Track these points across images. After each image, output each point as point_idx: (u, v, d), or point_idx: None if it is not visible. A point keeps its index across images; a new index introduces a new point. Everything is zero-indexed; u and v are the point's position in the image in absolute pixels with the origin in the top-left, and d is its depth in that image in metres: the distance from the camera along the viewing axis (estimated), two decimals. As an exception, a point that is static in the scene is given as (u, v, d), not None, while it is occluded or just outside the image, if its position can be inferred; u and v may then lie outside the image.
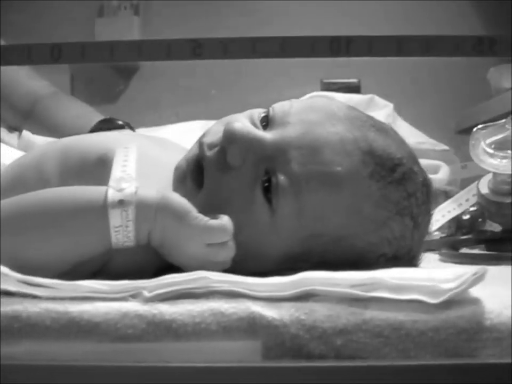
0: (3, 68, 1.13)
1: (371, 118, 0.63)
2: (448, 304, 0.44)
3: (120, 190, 0.51)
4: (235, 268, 0.54)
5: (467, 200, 1.07)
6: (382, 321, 0.44)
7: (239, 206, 0.57)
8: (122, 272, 0.55)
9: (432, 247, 0.96)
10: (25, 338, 0.44)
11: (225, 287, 0.46)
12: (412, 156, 0.63)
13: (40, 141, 0.78)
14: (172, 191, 0.55)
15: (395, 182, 0.59)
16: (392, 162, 0.59)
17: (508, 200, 0.99)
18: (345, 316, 0.44)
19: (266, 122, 0.61)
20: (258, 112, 0.63)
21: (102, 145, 0.66)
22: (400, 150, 0.61)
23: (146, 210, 0.52)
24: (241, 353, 0.43)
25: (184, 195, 0.55)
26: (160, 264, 0.59)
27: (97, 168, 0.64)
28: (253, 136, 0.58)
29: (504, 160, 0.96)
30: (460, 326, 0.43)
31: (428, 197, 0.63)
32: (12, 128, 1.29)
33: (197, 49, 0.42)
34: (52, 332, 0.44)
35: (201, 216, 0.52)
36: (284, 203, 0.56)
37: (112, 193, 0.51)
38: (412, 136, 1.27)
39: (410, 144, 0.65)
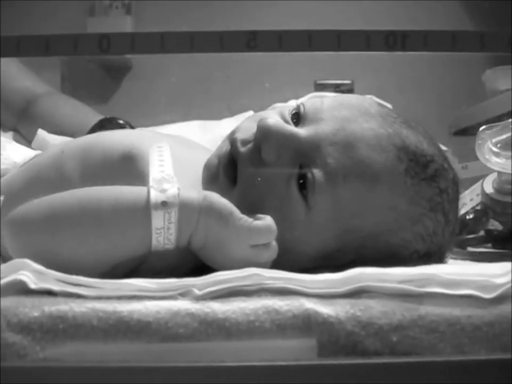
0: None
1: (400, 115, 0.63)
2: (501, 298, 0.44)
3: (163, 191, 0.50)
4: (271, 266, 0.53)
5: (471, 199, 1.08)
6: (438, 317, 0.44)
7: (274, 203, 0.56)
8: (154, 273, 0.54)
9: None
10: (70, 339, 0.43)
11: (278, 284, 0.45)
12: (442, 153, 0.63)
13: (55, 140, 0.76)
14: (212, 192, 0.53)
15: (428, 178, 0.59)
16: (425, 159, 0.60)
17: (513, 200, 1.01)
18: (400, 311, 0.44)
19: (297, 120, 0.61)
20: (289, 109, 0.62)
21: (125, 142, 0.65)
22: (432, 147, 0.61)
23: (189, 212, 0.50)
24: (297, 351, 0.43)
25: (217, 192, 0.54)
26: (191, 266, 0.58)
27: (122, 165, 0.63)
28: (287, 131, 0.58)
29: (510, 160, 0.97)
30: (514, 320, 0.43)
31: (457, 193, 0.63)
32: (6, 128, 1.26)
33: (224, 41, 0.41)
34: (99, 332, 0.43)
35: (245, 217, 0.51)
36: (320, 199, 0.56)
37: (155, 195, 0.50)
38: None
39: None
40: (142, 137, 0.66)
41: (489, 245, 1.00)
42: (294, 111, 0.61)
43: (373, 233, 0.57)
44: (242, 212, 0.53)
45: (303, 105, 0.61)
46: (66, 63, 1.70)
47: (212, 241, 0.51)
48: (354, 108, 0.60)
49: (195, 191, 0.52)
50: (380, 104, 0.63)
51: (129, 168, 0.62)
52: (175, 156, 0.63)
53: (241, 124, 0.64)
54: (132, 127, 1.23)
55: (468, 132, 1.61)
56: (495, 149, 0.99)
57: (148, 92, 1.68)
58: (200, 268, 0.57)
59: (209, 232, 0.51)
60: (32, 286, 0.44)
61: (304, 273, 0.55)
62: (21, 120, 1.26)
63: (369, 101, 0.63)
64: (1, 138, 0.93)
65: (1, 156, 0.74)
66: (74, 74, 1.72)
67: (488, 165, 0.99)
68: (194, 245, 0.52)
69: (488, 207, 1.04)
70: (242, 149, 0.59)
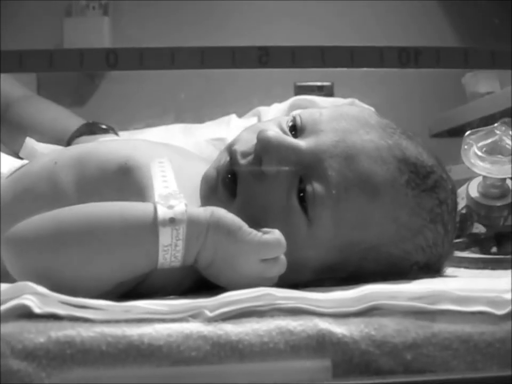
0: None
1: (398, 125, 0.63)
2: (510, 314, 0.44)
3: (170, 207, 0.49)
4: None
5: (456, 203, 1.09)
6: (451, 334, 0.43)
7: (275, 216, 0.55)
8: (155, 290, 0.53)
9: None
10: (78, 365, 0.42)
11: (291, 303, 0.44)
12: (440, 163, 0.63)
13: (43, 149, 0.74)
14: (218, 208, 0.52)
15: (428, 189, 0.59)
16: (425, 170, 0.60)
17: (498, 203, 1.02)
18: (414, 329, 0.43)
19: (295, 131, 0.60)
20: (286, 120, 0.61)
21: (121, 153, 0.63)
22: (431, 158, 0.61)
23: (197, 228, 0.49)
24: (311, 372, 0.42)
25: (216, 205, 0.53)
26: (192, 283, 0.57)
27: (118, 177, 0.61)
28: (288, 144, 0.57)
29: (495, 165, 0.99)
30: (526, 336, 0.43)
31: (456, 204, 0.63)
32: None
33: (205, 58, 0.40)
34: (107, 357, 0.42)
35: (254, 231, 0.51)
36: (320, 212, 0.55)
37: (163, 211, 0.48)
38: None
39: None
40: (138, 148, 0.65)
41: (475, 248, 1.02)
42: (291, 123, 0.61)
43: (375, 245, 0.57)
44: (256, 229, 0.52)
45: (300, 117, 0.60)
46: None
47: (220, 257, 0.50)
48: (354, 119, 0.59)
49: (201, 207, 0.51)
50: (378, 115, 0.63)
51: (126, 179, 0.61)
52: (174, 166, 0.62)
53: (240, 135, 0.63)
54: (115, 133, 1.21)
55: (447, 134, 1.63)
56: (480, 154, 1.00)
57: (126, 94, 1.65)
58: (201, 284, 0.56)
59: (218, 248, 0.50)
60: (37, 310, 0.43)
61: (306, 286, 0.56)
62: (-3, 125, 1.22)
63: (369, 111, 0.63)
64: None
65: None
66: (50, 76, 1.69)
67: (474, 169, 1.00)
68: (202, 262, 0.51)
69: (473, 211, 1.05)
70: (243, 161, 0.58)
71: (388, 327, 0.43)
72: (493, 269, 0.83)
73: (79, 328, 0.42)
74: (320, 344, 0.42)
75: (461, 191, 1.09)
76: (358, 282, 0.54)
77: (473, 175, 1.05)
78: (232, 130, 1.34)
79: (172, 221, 0.48)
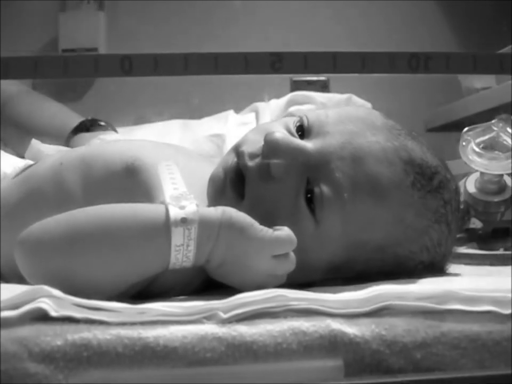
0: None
1: (403, 126, 0.64)
2: (518, 313, 0.45)
3: (182, 208, 0.49)
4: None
5: (454, 199, 1.10)
6: (459, 333, 0.44)
7: (283, 217, 0.56)
8: (164, 291, 0.54)
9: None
10: (94, 367, 0.42)
11: (303, 305, 0.45)
12: (444, 164, 0.64)
13: (49, 150, 0.74)
14: (228, 207, 0.53)
15: (433, 190, 0.60)
16: (430, 171, 0.60)
17: (495, 199, 1.03)
18: (423, 329, 0.44)
19: (302, 132, 0.61)
20: (293, 121, 0.62)
21: (127, 153, 0.63)
22: (435, 159, 0.62)
23: (209, 228, 0.50)
24: (324, 372, 0.43)
25: (224, 205, 0.54)
26: (200, 283, 0.57)
27: (125, 177, 0.62)
28: (295, 146, 0.58)
29: (493, 161, 1.00)
30: (532, 334, 0.45)
31: (459, 203, 0.64)
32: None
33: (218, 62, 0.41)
34: (124, 359, 0.42)
35: (265, 228, 0.51)
36: (328, 213, 0.56)
37: (174, 211, 0.49)
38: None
39: None
40: (144, 148, 0.65)
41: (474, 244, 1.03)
42: (298, 123, 0.61)
43: (381, 246, 0.58)
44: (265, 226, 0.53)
45: (307, 118, 0.61)
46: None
47: (232, 255, 0.51)
48: (360, 121, 0.60)
49: (212, 207, 0.52)
50: (384, 116, 0.63)
51: (132, 180, 0.61)
52: (179, 167, 0.62)
53: (246, 135, 0.63)
54: (114, 129, 1.21)
55: (442, 128, 1.64)
56: (478, 150, 1.01)
57: (122, 90, 1.65)
58: (209, 284, 0.57)
59: (230, 246, 0.51)
60: (53, 313, 0.43)
61: (312, 286, 0.56)
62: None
63: (375, 113, 0.63)
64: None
65: None
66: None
67: (472, 165, 1.01)
68: (213, 262, 0.51)
69: (470, 206, 1.06)
70: (251, 163, 0.58)
71: (398, 327, 0.44)
72: (491, 264, 0.84)
73: (95, 330, 0.43)
74: (332, 344, 0.43)
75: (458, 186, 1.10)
76: (364, 282, 0.55)
77: (470, 170, 1.06)
78: (230, 126, 1.35)
79: (184, 221, 0.49)
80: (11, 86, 1.25)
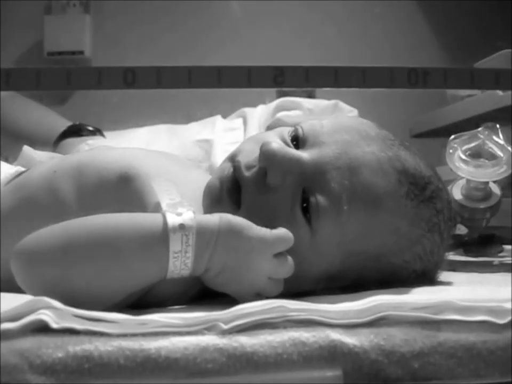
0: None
1: (395, 136, 0.65)
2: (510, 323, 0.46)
3: (179, 214, 0.49)
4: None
5: (440, 205, 1.11)
6: (455, 343, 0.45)
7: (279, 226, 0.56)
8: (159, 301, 0.54)
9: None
10: (96, 378, 0.42)
11: (303, 315, 0.45)
12: (436, 173, 0.65)
13: (41, 157, 0.73)
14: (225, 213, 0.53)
15: (426, 200, 0.61)
16: (423, 181, 0.61)
17: (481, 206, 1.05)
18: (420, 339, 0.45)
19: (297, 142, 0.61)
20: (288, 131, 0.62)
21: (121, 162, 0.63)
22: (428, 168, 0.63)
23: (207, 233, 0.50)
24: (323, 382, 0.43)
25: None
26: (196, 291, 0.58)
27: (119, 186, 0.62)
28: (292, 156, 0.58)
29: (479, 168, 1.01)
30: (525, 343, 0.46)
31: (451, 212, 0.65)
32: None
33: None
34: (125, 370, 0.42)
35: (263, 228, 0.52)
36: (324, 223, 0.57)
37: (172, 217, 0.49)
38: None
39: None
40: (138, 157, 0.65)
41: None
42: (292, 133, 0.62)
43: (376, 255, 0.59)
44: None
45: (302, 128, 0.61)
46: (21, 61, 1.64)
47: (233, 258, 0.51)
48: (354, 131, 0.61)
49: (208, 214, 0.52)
50: (377, 126, 0.64)
51: (127, 188, 0.61)
52: (173, 176, 0.62)
53: (242, 145, 0.63)
54: (102, 134, 1.21)
55: (427, 134, 1.66)
56: (464, 157, 1.02)
57: (108, 93, 1.64)
58: (205, 293, 0.57)
59: (231, 250, 0.51)
60: (54, 325, 0.43)
61: (307, 295, 0.57)
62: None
63: (369, 123, 0.64)
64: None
65: None
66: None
67: (459, 172, 1.03)
68: (212, 270, 0.51)
69: (456, 213, 1.08)
70: (247, 174, 0.59)
71: (396, 337, 0.45)
72: (480, 272, 0.85)
73: (97, 342, 0.43)
74: (331, 355, 0.44)
75: (445, 193, 1.12)
76: (357, 291, 0.56)
77: (455, 177, 1.08)
78: (218, 131, 1.35)
79: (182, 227, 0.49)
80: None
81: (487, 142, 1.04)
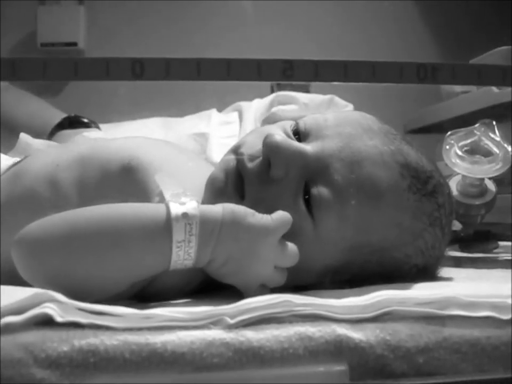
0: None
1: (397, 131, 0.65)
2: (515, 318, 0.47)
3: (182, 204, 0.49)
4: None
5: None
6: (460, 338, 0.45)
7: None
8: (161, 292, 0.54)
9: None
10: (101, 372, 0.42)
11: (309, 310, 0.45)
12: (437, 168, 0.65)
13: (38, 144, 0.72)
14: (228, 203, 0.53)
15: (428, 194, 0.61)
16: (425, 175, 0.61)
17: (476, 202, 1.05)
18: (426, 334, 0.45)
19: (299, 135, 0.61)
20: (290, 125, 0.62)
21: (123, 153, 0.63)
22: (429, 163, 0.63)
23: (211, 223, 0.50)
24: (329, 376, 0.44)
25: None
26: (199, 282, 0.57)
27: (122, 177, 0.61)
28: (295, 148, 0.58)
29: (475, 165, 1.02)
30: (529, 339, 0.46)
31: (452, 207, 0.65)
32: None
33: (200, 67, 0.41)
34: (131, 364, 0.42)
35: (263, 215, 0.52)
36: (326, 215, 0.57)
37: (175, 207, 0.49)
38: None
39: None
40: (140, 146, 0.65)
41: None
42: (294, 127, 0.62)
43: (378, 249, 0.59)
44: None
45: (304, 122, 0.62)
46: (14, 52, 1.62)
47: (239, 248, 0.51)
48: (357, 125, 0.61)
49: (211, 205, 0.52)
50: (379, 120, 0.64)
51: (130, 179, 0.61)
52: (176, 166, 0.62)
53: (246, 138, 0.63)
54: (97, 126, 1.20)
55: (422, 130, 1.67)
56: (461, 154, 1.03)
57: (102, 84, 1.62)
58: (208, 284, 0.57)
59: (236, 239, 0.50)
60: (59, 319, 0.43)
61: (309, 289, 0.57)
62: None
63: (371, 117, 0.64)
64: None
65: None
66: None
67: (455, 169, 1.03)
68: (217, 260, 0.51)
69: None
70: (250, 165, 0.58)
71: (401, 332, 0.45)
72: (475, 267, 0.86)
73: (102, 336, 0.42)
74: (337, 349, 0.44)
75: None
76: (360, 285, 0.56)
77: (450, 173, 1.08)
78: (214, 125, 1.35)
79: (185, 216, 0.48)
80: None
81: (483, 138, 1.04)
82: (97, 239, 0.48)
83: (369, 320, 0.46)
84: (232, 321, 0.44)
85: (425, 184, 0.61)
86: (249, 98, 1.45)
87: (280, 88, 1.57)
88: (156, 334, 0.43)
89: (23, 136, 0.73)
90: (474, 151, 1.05)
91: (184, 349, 0.42)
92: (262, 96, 1.40)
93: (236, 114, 1.38)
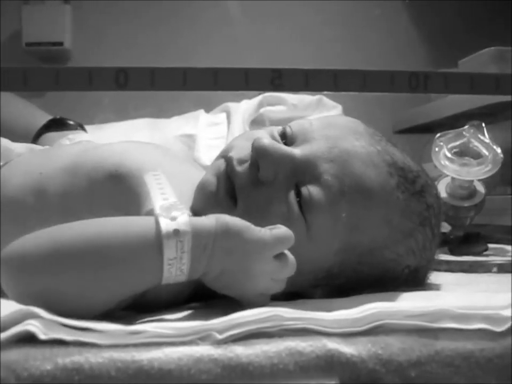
0: None
1: (382, 134, 0.65)
2: (508, 330, 0.46)
3: (173, 219, 0.47)
4: None
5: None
6: (453, 351, 0.45)
7: (276, 221, 0.54)
8: (151, 303, 0.53)
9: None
10: (85, 391, 0.41)
11: (299, 324, 0.44)
12: (424, 170, 0.65)
13: (19, 148, 0.70)
14: (220, 214, 0.51)
15: (416, 193, 0.61)
16: (412, 175, 0.62)
17: (465, 204, 1.05)
18: (418, 347, 0.45)
19: (286, 140, 0.61)
20: (277, 130, 0.62)
21: (109, 161, 0.62)
22: (415, 164, 0.63)
23: (204, 238, 0.48)
24: (320, 392, 0.43)
25: (218, 212, 0.52)
26: (191, 291, 0.56)
27: (110, 186, 0.60)
28: (283, 151, 0.58)
29: (464, 167, 1.01)
30: (522, 351, 0.45)
31: (441, 209, 0.65)
32: None
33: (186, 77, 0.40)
34: (117, 382, 0.41)
35: (263, 228, 0.50)
36: (318, 215, 0.56)
37: (166, 223, 0.47)
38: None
39: None
40: (128, 152, 0.63)
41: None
42: (282, 132, 0.62)
43: (370, 249, 0.59)
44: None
45: (290, 127, 0.62)
46: (0, 52, 1.59)
47: (233, 262, 0.49)
48: (343, 127, 0.61)
49: (203, 216, 0.50)
50: (363, 123, 0.64)
51: (118, 188, 0.60)
52: (166, 171, 0.61)
53: (234, 141, 0.63)
54: (83, 129, 1.18)
55: (410, 131, 1.66)
56: (450, 156, 1.02)
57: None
58: (197, 294, 0.56)
59: (230, 253, 0.49)
60: (42, 336, 0.41)
61: (303, 297, 0.56)
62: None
63: (356, 120, 0.65)
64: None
65: None
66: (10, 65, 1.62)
67: (444, 171, 1.03)
68: (211, 273, 0.49)
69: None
70: (239, 169, 0.58)
71: (393, 346, 0.44)
72: (465, 271, 0.85)
73: (87, 353, 0.41)
74: (329, 364, 0.43)
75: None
76: (354, 288, 0.56)
77: (438, 174, 1.08)
78: (201, 126, 1.33)
79: (176, 233, 0.47)
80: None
81: (472, 140, 1.04)
82: (85, 260, 0.46)
83: (360, 333, 0.45)
84: (220, 337, 0.43)
85: (413, 183, 0.61)
86: (237, 99, 1.44)
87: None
88: (142, 351, 0.42)
89: (3, 141, 0.72)
90: (464, 153, 1.05)
91: (172, 365, 0.41)
92: (250, 96, 1.38)
93: (223, 115, 1.37)
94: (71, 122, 1.14)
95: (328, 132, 0.60)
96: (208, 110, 1.43)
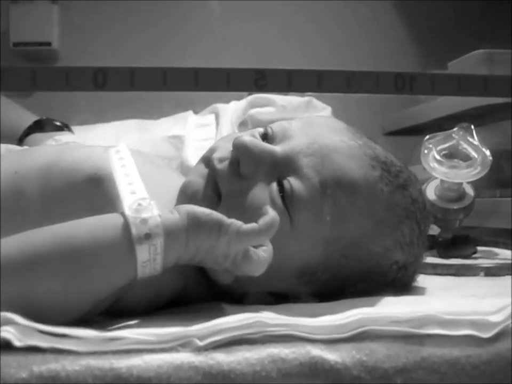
0: None
1: (369, 135, 0.65)
2: (496, 337, 0.45)
3: (143, 222, 0.46)
4: (254, 283, 0.53)
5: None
6: (439, 358, 0.44)
7: (259, 216, 0.54)
8: (132, 305, 0.52)
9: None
10: (62, 400, 0.39)
11: (283, 331, 0.43)
12: (407, 167, 0.64)
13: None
14: (191, 205, 0.50)
15: (400, 187, 0.61)
16: (396, 169, 0.62)
17: (454, 207, 1.05)
18: (403, 354, 0.44)
19: (267, 139, 0.61)
20: (258, 131, 0.62)
21: (89, 163, 0.60)
22: (398, 160, 0.63)
23: (176, 238, 0.48)
24: (304, 399, 0.42)
25: None
26: (169, 296, 0.56)
27: (88, 188, 0.59)
28: (264, 147, 0.59)
29: (453, 169, 1.01)
30: (509, 358, 0.44)
31: (425, 205, 0.65)
32: None
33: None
34: (94, 391, 0.40)
35: (234, 221, 0.49)
36: (300, 208, 0.56)
37: (136, 227, 0.46)
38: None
39: None
40: (108, 156, 0.62)
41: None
42: (262, 133, 0.62)
43: (354, 242, 0.58)
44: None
45: (271, 128, 0.62)
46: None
47: (203, 251, 0.49)
48: (323, 125, 0.62)
49: (173, 211, 0.49)
50: (344, 123, 0.65)
51: (96, 191, 0.58)
52: (146, 176, 0.60)
53: (216, 144, 0.63)
54: (70, 130, 1.16)
55: (399, 133, 1.66)
56: (439, 158, 1.02)
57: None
58: (180, 295, 0.56)
59: (200, 248, 0.49)
60: (17, 343, 0.40)
61: (288, 301, 0.55)
62: None
63: (336, 120, 0.65)
64: None
65: None
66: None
67: (433, 173, 1.02)
68: (185, 257, 0.49)
69: (429, 213, 1.07)
70: (220, 166, 0.58)
71: (378, 352, 0.43)
72: (454, 275, 0.85)
73: (64, 361, 0.40)
74: (312, 371, 0.42)
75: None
76: (341, 286, 0.56)
77: (428, 176, 1.07)
78: (190, 127, 1.32)
79: (148, 237, 0.46)
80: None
81: (461, 142, 1.04)
82: (56, 264, 0.45)
83: (344, 340, 0.44)
84: (201, 343, 0.42)
85: (396, 177, 0.61)
86: (224, 100, 1.43)
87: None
88: (121, 358, 0.41)
89: None
90: (453, 155, 1.04)
91: (151, 373, 0.40)
92: (239, 98, 1.37)
93: (212, 116, 1.36)
94: (58, 123, 1.12)
95: (307, 129, 0.61)
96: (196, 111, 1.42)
